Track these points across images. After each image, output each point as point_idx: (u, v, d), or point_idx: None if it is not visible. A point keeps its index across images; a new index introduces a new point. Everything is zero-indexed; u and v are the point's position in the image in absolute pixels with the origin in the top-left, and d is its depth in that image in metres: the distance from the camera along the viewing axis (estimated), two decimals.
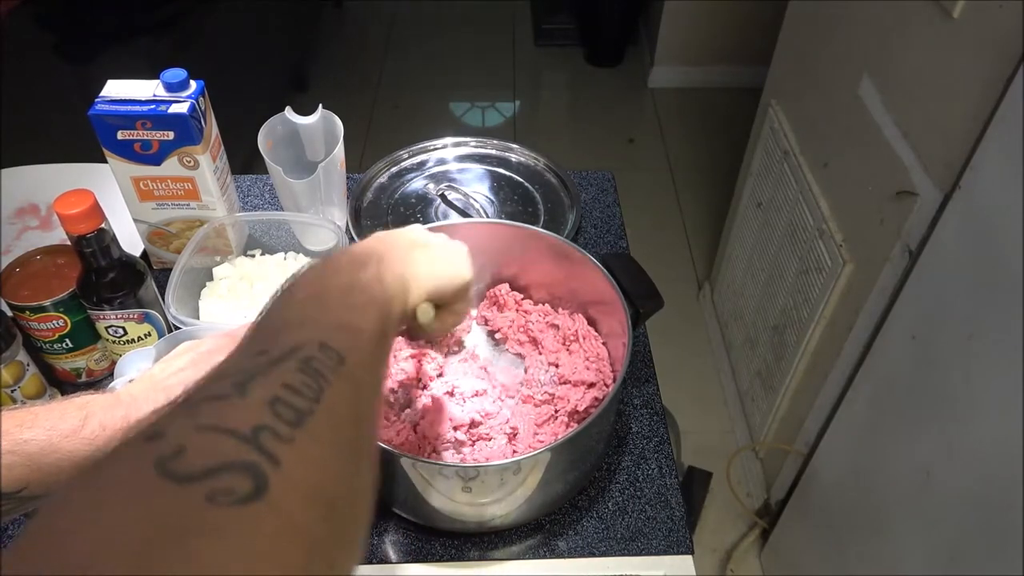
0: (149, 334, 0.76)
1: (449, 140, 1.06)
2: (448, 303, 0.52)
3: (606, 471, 0.74)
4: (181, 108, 0.76)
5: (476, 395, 0.71)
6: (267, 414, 0.27)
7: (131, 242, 0.87)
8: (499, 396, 0.72)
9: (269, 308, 0.39)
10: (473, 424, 0.68)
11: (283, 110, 0.88)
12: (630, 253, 0.92)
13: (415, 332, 0.54)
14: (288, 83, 2.60)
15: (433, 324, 0.51)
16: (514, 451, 0.67)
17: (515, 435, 0.68)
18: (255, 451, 0.26)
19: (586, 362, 0.74)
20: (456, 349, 0.77)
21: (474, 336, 0.80)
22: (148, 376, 0.51)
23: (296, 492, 0.26)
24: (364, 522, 0.31)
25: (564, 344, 0.76)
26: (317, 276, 0.41)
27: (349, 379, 0.32)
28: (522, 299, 0.80)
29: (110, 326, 0.74)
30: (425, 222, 0.92)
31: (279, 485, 0.25)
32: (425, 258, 0.48)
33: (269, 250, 0.88)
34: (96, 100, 0.77)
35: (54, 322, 0.74)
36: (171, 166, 0.80)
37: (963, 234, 0.86)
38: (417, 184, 1.01)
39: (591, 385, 0.72)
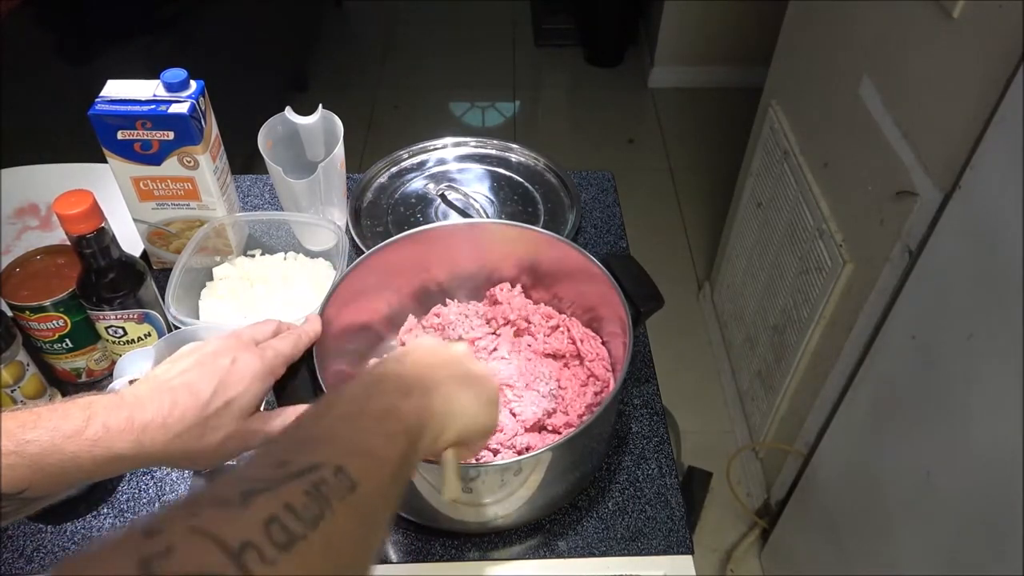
0: (149, 334, 0.76)
1: (449, 140, 1.06)
2: (470, 444, 0.53)
3: (606, 471, 0.74)
4: (181, 108, 0.76)
5: None
6: (260, 532, 0.28)
7: (131, 242, 0.87)
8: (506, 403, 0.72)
9: (307, 415, 0.40)
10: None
11: (283, 110, 0.88)
12: (630, 253, 0.92)
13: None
14: (288, 83, 2.60)
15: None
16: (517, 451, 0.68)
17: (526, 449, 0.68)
18: (235, 567, 0.26)
19: (589, 367, 0.74)
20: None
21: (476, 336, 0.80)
22: (152, 377, 0.51)
23: None
24: None
25: (563, 360, 0.76)
26: (361, 393, 0.42)
27: (355, 508, 0.33)
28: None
29: (110, 326, 0.74)
30: (425, 222, 0.93)
31: None
32: (467, 399, 0.49)
33: (269, 250, 0.88)
34: (96, 100, 0.76)
35: (54, 322, 0.74)
36: (171, 166, 0.80)
37: (963, 234, 0.86)
38: (417, 184, 1.01)
39: (596, 393, 0.72)
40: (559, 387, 0.73)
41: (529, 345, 0.77)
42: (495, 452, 0.68)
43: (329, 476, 0.33)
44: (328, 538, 0.30)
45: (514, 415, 0.70)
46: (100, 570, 0.26)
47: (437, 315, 0.80)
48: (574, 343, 0.76)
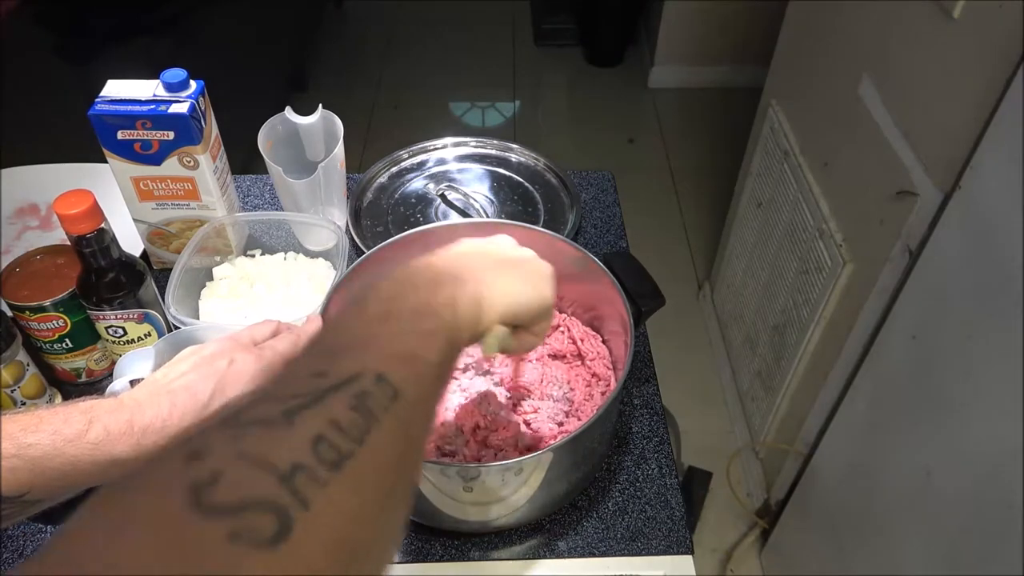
0: (149, 334, 0.76)
1: (449, 140, 1.06)
2: (526, 324, 0.50)
3: (606, 471, 0.74)
4: (181, 108, 0.76)
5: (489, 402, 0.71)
6: (309, 452, 0.27)
7: (131, 242, 0.87)
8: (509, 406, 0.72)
9: (338, 320, 0.39)
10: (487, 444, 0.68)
11: (283, 110, 0.88)
12: (629, 252, 0.92)
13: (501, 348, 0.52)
14: (288, 83, 2.60)
15: (499, 349, 0.49)
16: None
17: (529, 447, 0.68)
18: (288, 492, 0.26)
19: (590, 366, 0.74)
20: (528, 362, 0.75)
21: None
22: (151, 380, 0.51)
23: (318, 539, 0.26)
24: (387, 562, 0.31)
25: (566, 360, 0.76)
26: (394, 291, 0.40)
27: (399, 419, 0.32)
28: None
29: (110, 326, 0.74)
30: (425, 222, 0.93)
31: (303, 531, 0.25)
32: (506, 279, 0.47)
33: (269, 250, 0.88)
34: (96, 100, 0.77)
35: (54, 322, 0.74)
36: (171, 166, 0.80)
37: (963, 234, 0.86)
38: (417, 184, 1.01)
39: (602, 393, 0.72)
40: (570, 388, 0.73)
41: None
42: (497, 451, 0.68)
43: (371, 386, 0.31)
44: (376, 453, 0.29)
45: (528, 426, 0.70)
46: (145, 500, 0.25)
47: None
48: (574, 343, 0.76)
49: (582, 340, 0.75)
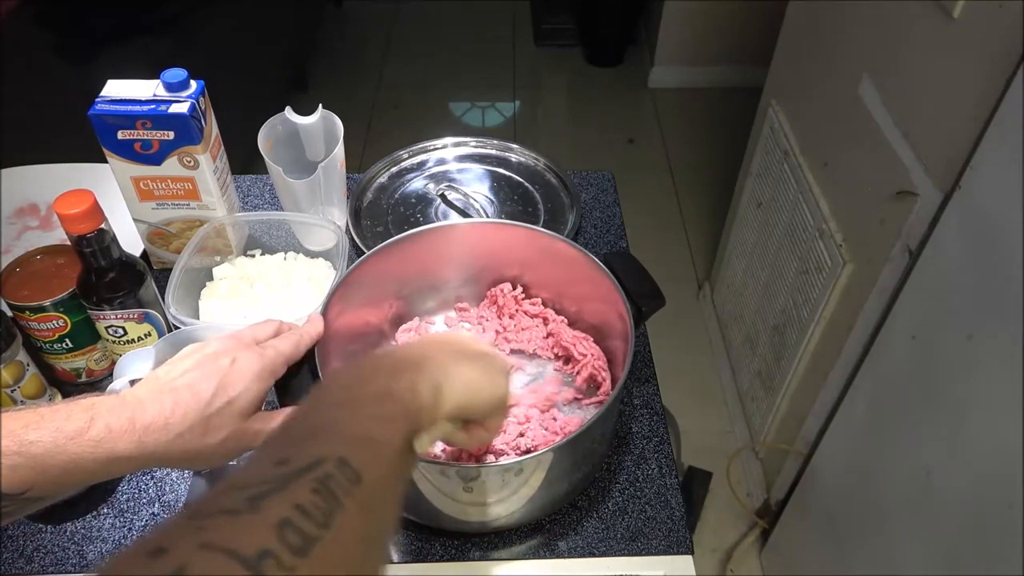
0: (149, 334, 0.76)
1: (449, 140, 1.06)
2: (480, 418, 0.51)
3: (606, 471, 0.74)
4: (181, 108, 0.76)
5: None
6: (275, 538, 0.27)
7: (131, 242, 0.87)
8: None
9: (301, 409, 0.39)
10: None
11: (283, 110, 0.88)
12: (630, 252, 0.92)
13: (447, 441, 0.52)
14: (288, 83, 2.60)
15: (445, 440, 0.50)
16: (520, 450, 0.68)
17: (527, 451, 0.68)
18: None
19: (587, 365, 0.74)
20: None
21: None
22: (153, 378, 0.51)
23: None
24: None
25: (564, 353, 0.77)
26: (353, 379, 0.41)
27: (363, 501, 0.32)
28: (523, 298, 0.80)
29: (110, 326, 0.74)
30: (425, 222, 0.93)
31: None
32: (465, 370, 0.47)
33: (269, 250, 0.88)
34: (96, 100, 0.76)
35: (54, 322, 0.74)
36: (171, 166, 0.80)
37: (963, 234, 0.86)
38: (417, 184, 1.01)
39: (598, 387, 0.72)
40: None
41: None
42: (498, 454, 0.68)
43: (334, 470, 0.32)
44: (342, 535, 0.30)
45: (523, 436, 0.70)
46: None
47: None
48: (565, 349, 0.76)
49: (583, 340, 0.75)
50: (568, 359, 0.77)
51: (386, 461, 0.36)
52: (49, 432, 0.45)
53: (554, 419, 0.71)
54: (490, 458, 0.67)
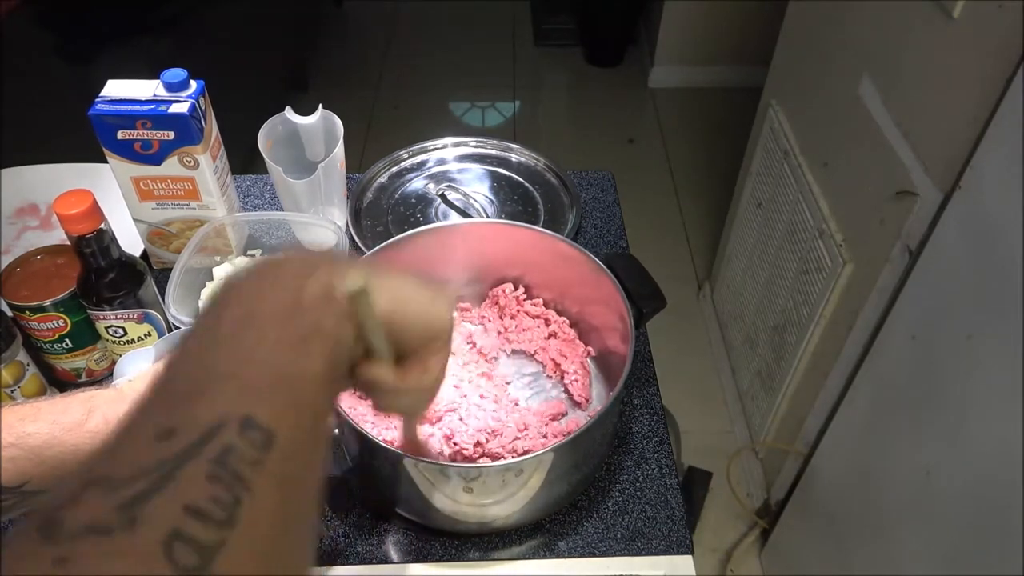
0: (149, 334, 0.76)
1: (449, 140, 1.06)
2: (416, 345, 0.38)
3: (606, 471, 0.74)
4: (181, 108, 0.76)
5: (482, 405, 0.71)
6: (161, 562, 0.21)
7: (131, 242, 0.87)
8: (506, 409, 0.72)
9: (188, 337, 0.29)
10: (478, 444, 0.68)
11: (283, 110, 0.88)
12: (630, 253, 0.92)
13: (378, 391, 0.39)
14: (288, 83, 2.59)
15: (380, 378, 0.37)
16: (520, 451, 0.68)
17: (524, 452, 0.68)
18: None
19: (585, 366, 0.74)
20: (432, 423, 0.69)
21: (480, 339, 0.80)
22: (151, 372, 0.51)
23: None
24: None
25: (563, 355, 0.77)
26: (249, 293, 0.30)
27: (278, 472, 0.25)
28: (524, 298, 0.80)
29: (110, 326, 0.74)
30: (425, 222, 0.93)
31: None
32: (395, 278, 0.37)
33: (269, 250, 0.88)
34: (96, 100, 0.76)
35: (54, 322, 0.74)
36: (171, 166, 0.80)
37: (963, 234, 0.86)
38: (417, 184, 1.01)
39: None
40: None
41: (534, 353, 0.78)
42: (496, 456, 0.68)
43: (235, 438, 0.24)
44: (252, 530, 0.23)
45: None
46: None
47: None
48: (556, 364, 0.76)
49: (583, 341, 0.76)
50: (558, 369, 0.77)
51: (306, 404, 0.28)
52: (46, 424, 0.45)
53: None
54: (485, 460, 0.67)
